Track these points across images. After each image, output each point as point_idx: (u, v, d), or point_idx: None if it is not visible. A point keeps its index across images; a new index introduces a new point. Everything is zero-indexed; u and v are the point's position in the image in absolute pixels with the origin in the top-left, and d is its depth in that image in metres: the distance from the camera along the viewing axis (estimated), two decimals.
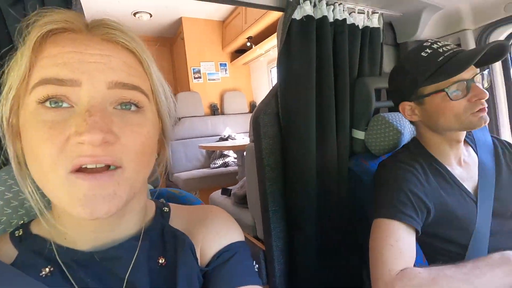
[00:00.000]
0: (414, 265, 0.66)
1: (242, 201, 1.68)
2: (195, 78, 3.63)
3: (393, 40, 1.40)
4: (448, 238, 0.77)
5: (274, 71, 3.60)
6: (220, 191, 2.08)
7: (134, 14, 3.15)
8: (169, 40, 4.05)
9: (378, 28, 1.20)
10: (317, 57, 1.01)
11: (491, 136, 0.91)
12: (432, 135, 0.83)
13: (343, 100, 1.07)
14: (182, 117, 3.38)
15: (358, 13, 1.14)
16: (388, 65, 1.36)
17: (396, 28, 1.38)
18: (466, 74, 0.72)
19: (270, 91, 1.11)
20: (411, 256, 0.66)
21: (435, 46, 0.77)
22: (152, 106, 0.41)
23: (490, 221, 0.77)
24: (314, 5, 1.03)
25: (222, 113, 3.73)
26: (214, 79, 3.77)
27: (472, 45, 1.27)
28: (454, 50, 0.74)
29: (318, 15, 1.02)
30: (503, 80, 1.29)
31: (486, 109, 0.73)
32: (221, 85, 3.81)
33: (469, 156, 0.86)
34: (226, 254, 0.45)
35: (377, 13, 1.20)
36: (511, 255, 0.61)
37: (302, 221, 1.05)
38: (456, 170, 0.81)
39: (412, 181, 0.75)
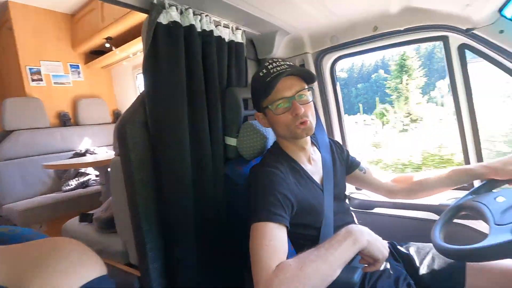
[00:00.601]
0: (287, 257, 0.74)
1: (108, 225, 1.43)
2: (33, 80, 2.89)
3: (255, 56, 1.57)
4: (306, 224, 0.90)
5: (142, 77, 3.34)
6: (77, 218, 1.70)
7: None
8: None
9: (242, 43, 1.31)
10: (187, 65, 1.00)
11: (328, 138, 1.15)
12: (284, 141, 0.97)
13: (215, 108, 1.10)
14: (14, 130, 2.60)
15: (224, 27, 1.21)
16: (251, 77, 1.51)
17: (256, 45, 1.55)
18: (288, 92, 0.87)
19: (136, 98, 1.01)
20: (284, 251, 0.73)
21: (270, 67, 0.90)
22: None
23: (332, 204, 0.96)
24: (181, 12, 1.02)
25: (77, 124, 3.13)
26: (62, 83, 3.12)
27: (311, 65, 1.58)
28: (280, 72, 0.86)
29: (185, 23, 1.01)
30: (333, 95, 1.67)
31: (308, 121, 0.87)
32: (73, 91, 3.20)
33: (315, 154, 1.05)
34: None
35: (240, 29, 1.31)
36: (353, 228, 0.75)
37: (180, 235, 0.99)
38: (308, 167, 0.98)
39: (278, 182, 0.84)
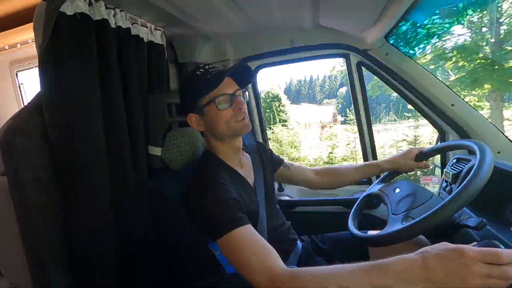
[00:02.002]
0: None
1: None
2: None
3: (175, 59, 1.48)
4: None
5: (25, 75, 2.73)
6: None
7: None
8: None
9: (162, 45, 1.22)
10: (100, 65, 0.86)
11: (254, 140, 1.19)
12: (219, 144, 0.96)
13: (136, 116, 0.99)
14: None
15: (141, 25, 1.10)
16: (173, 81, 1.42)
17: (176, 48, 1.47)
18: (230, 90, 0.90)
19: (30, 102, 0.81)
20: (270, 246, 0.71)
21: (206, 67, 0.92)
22: None
23: (265, 207, 0.99)
24: (90, 4, 0.87)
25: None
26: None
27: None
28: (219, 70, 0.92)
29: (96, 17, 0.88)
30: (255, 102, 1.73)
31: (247, 119, 0.93)
32: None
33: (245, 158, 1.06)
34: None
35: (160, 30, 1.22)
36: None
37: (98, 268, 0.84)
38: (241, 171, 0.98)
39: (226, 189, 0.82)
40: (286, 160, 1.25)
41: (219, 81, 0.87)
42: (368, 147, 1.54)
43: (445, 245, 0.51)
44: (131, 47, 0.99)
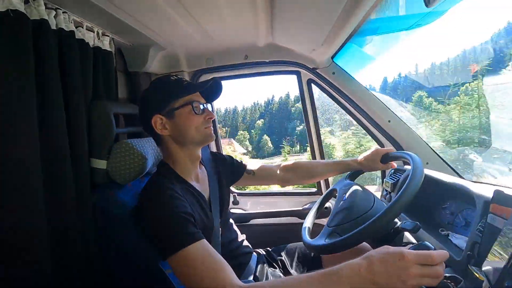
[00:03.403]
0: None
1: None
2: None
3: (124, 68, 1.41)
4: None
5: None
6: None
7: None
8: None
9: (111, 52, 1.15)
10: (37, 68, 0.78)
11: (209, 152, 1.17)
12: (179, 151, 0.93)
13: (78, 125, 0.90)
14: None
15: (87, 30, 1.03)
16: (121, 91, 1.34)
17: (126, 56, 1.40)
18: (202, 100, 0.95)
19: None
20: (225, 262, 0.69)
21: (179, 76, 0.96)
22: None
23: (219, 221, 0.97)
24: (27, 2, 0.79)
25: None
26: None
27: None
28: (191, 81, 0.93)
29: (34, 16, 0.80)
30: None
31: (212, 127, 0.97)
32: None
33: (201, 171, 1.04)
34: None
35: (108, 36, 1.15)
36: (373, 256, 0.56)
37: None
38: (197, 186, 0.95)
39: (180, 204, 0.77)
40: (250, 165, 1.23)
41: (199, 87, 0.93)
42: (317, 153, 1.62)
43: (387, 248, 0.55)
44: (74, 51, 0.92)
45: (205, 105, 0.95)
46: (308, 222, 1.03)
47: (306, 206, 1.60)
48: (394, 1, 1.10)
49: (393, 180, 1.19)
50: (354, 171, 1.19)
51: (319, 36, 1.18)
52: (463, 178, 1.30)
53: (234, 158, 1.23)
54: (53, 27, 0.86)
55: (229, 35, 1.32)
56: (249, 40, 1.39)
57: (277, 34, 1.31)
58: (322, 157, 1.63)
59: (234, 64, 1.53)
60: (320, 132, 1.62)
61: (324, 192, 1.24)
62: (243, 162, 1.23)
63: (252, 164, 1.25)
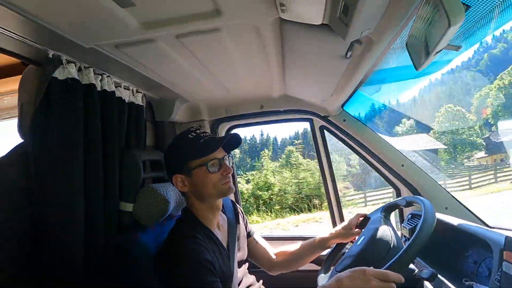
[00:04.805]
0: None
1: None
2: None
3: (152, 118, 1.57)
4: None
5: None
6: None
7: None
8: None
9: (142, 106, 1.31)
10: (85, 124, 0.92)
11: (230, 200, 1.23)
12: (200, 204, 0.99)
13: (112, 171, 1.01)
14: None
15: (124, 88, 1.20)
16: (148, 139, 1.48)
17: (154, 108, 1.57)
18: (219, 155, 0.98)
19: (10, 154, 0.83)
20: None
21: (198, 131, 1.00)
22: None
23: (237, 269, 0.99)
24: (80, 69, 0.96)
25: None
26: None
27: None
28: (210, 136, 1.00)
29: (84, 81, 0.96)
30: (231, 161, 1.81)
31: (231, 181, 1.01)
32: None
33: (222, 219, 1.09)
34: None
35: (141, 92, 1.32)
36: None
37: None
38: (218, 233, 1.00)
39: (202, 251, 0.83)
40: (257, 234, 1.25)
41: (214, 148, 0.95)
42: (334, 205, 1.63)
43: (352, 269, 0.72)
44: (114, 108, 1.07)
45: (224, 158, 0.99)
46: (324, 270, 1.03)
47: (325, 253, 1.57)
48: (398, 53, 1.21)
49: (411, 225, 1.18)
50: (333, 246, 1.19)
51: (328, 88, 1.29)
52: (485, 223, 1.27)
53: (247, 219, 1.25)
54: (98, 88, 1.02)
55: (245, 89, 1.46)
56: (264, 92, 1.52)
57: (289, 87, 1.44)
58: (338, 200, 1.64)
59: (251, 113, 1.66)
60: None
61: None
62: (253, 229, 1.25)
63: (259, 236, 1.26)
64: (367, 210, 1.34)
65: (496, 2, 0.69)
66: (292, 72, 1.23)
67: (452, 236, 1.03)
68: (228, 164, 1.01)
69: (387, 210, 1.07)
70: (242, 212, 1.23)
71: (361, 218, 1.15)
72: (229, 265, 0.95)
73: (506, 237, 0.69)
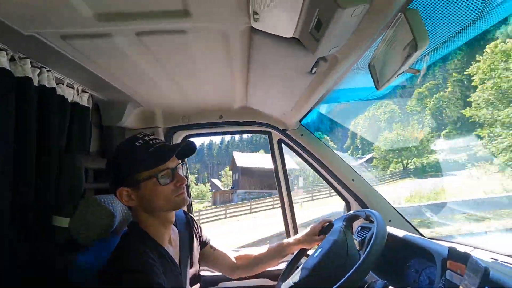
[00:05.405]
0: None
1: None
2: None
3: (98, 121, 1.41)
4: None
5: None
6: None
7: None
8: None
9: (88, 107, 1.17)
10: (18, 120, 0.78)
11: (183, 212, 1.14)
12: (149, 218, 0.88)
13: (47, 179, 0.87)
14: None
15: (68, 86, 1.06)
16: (93, 145, 1.32)
17: (102, 111, 1.42)
18: (172, 164, 0.87)
19: None
20: None
21: (146, 138, 0.87)
22: None
23: (189, 285, 0.92)
24: (12, 59, 0.82)
25: None
26: None
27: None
28: (161, 143, 0.88)
29: (18, 73, 0.82)
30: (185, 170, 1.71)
31: (185, 192, 0.92)
32: None
33: (174, 233, 1.00)
34: None
35: (87, 92, 1.18)
36: None
37: None
38: (170, 249, 0.91)
39: (152, 270, 0.74)
40: (213, 241, 1.18)
41: (165, 157, 0.84)
42: (289, 217, 1.64)
43: None
44: (53, 107, 0.93)
45: (177, 167, 0.89)
46: (283, 278, 1.02)
47: (278, 267, 1.55)
48: (354, 75, 1.29)
49: (360, 237, 1.23)
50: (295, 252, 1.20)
51: (289, 102, 1.31)
52: (422, 235, 1.39)
53: (201, 228, 1.17)
54: (36, 83, 0.88)
55: (205, 97, 1.41)
56: (225, 102, 1.49)
57: (251, 99, 1.44)
58: (293, 212, 1.66)
59: (209, 122, 1.61)
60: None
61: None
62: (208, 236, 1.17)
63: (216, 242, 1.19)
64: None
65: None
66: (256, 83, 1.23)
67: (395, 247, 1.10)
68: (181, 173, 0.93)
69: (348, 220, 1.11)
70: (195, 222, 1.14)
71: (325, 224, 1.17)
72: (181, 283, 0.87)
73: (450, 248, 0.75)
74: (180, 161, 0.94)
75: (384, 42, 0.61)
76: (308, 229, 1.18)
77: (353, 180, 1.52)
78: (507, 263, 0.99)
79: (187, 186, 1.64)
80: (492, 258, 1.05)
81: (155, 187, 0.84)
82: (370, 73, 0.73)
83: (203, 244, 1.14)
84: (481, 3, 0.58)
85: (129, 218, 1.07)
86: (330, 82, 0.96)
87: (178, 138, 1.66)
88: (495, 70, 14.09)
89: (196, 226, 1.12)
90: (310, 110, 1.42)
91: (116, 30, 0.77)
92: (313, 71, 0.91)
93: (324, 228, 1.17)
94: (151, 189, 0.84)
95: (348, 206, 1.62)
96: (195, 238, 1.06)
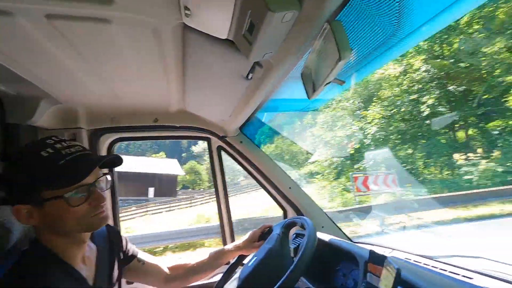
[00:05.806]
0: None
1: None
2: None
3: (1, 118, 1.18)
4: None
5: None
6: None
7: None
8: None
9: None
10: None
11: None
12: (57, 238, 0.73)
13: None
14: None
15: None
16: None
17: (7, 106, 1.19)
18: (89, 179, 0.72)
19: None
20: None
21: (58, 146, 0.71)
22: None
23: None
24: None
25: None
26: None
27: (85, 142, 1.41)
28: (77, 154, 0.72)
29: None
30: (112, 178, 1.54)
31: (105, 210, 0.77)
32: None
33: (90, 249, 0.86)
34: None
35: None
36: None
37: None
38: (83, 270, 0.77)
39: None
40: (141, 253, 1.07)
41: (77, 175, 0.69)
42: (226, 224, 1.60)
43: None
44: None
45: (97, 181, 0.75)
46: (219, 285, 0.98)
47: (212, 280, 1.49)
48: (290, 86, 1.33)
49: (295, 245, 1.25)
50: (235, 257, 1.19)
51: (227, 108, 1.28)
52: (350, 239, 1.48)
53: (127, 240, 1.05)
54: None
55: (138, 97, 1.30)
56: (160, 104, 1.40)
57: (189, 102, 1.37)
58: (230, 219, 1.62)
59: (143, 125, 1.48)
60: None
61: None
62: (135, 249, 1.06)
63: (144, 254, 1.08)
64: None
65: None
66: (193, 86, 1.17)
67: (326, 252, 1.14)
68: (104, 185, 0.79)
69: (287, 227, 1.11)
70: (118, 235, 1.01)
71: (266, 229, 1.16)
72: None
73: (370, 251, 0.80)
74: (102, 172, 0.80)
75: (314, 51, 0.62)
76: (247, 235, 1.17)
77: (290, 188, 1.55)
78: (418, 262, 1.10)
79: (113, 195, 1.48)
80: (406, 258, 1.16)
81: (64, 208, 0.69)
82: (303, 81, 0.75)
83: (130, 258, 1.01)
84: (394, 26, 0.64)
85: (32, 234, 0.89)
86: (267, 89, 0.96)
87: (105, 142, 1.48)
88: None
89: (119, 240, 0.99)
90: (250, 118, 1.42)
91: (18, 8, 0.64)
92: (249, 77, 0.90)
93: (263, 233, 1.17)
94: (59, 210, 0.69)
95: (285, 214, 1.64)
96: (118, 253, 0.94)
